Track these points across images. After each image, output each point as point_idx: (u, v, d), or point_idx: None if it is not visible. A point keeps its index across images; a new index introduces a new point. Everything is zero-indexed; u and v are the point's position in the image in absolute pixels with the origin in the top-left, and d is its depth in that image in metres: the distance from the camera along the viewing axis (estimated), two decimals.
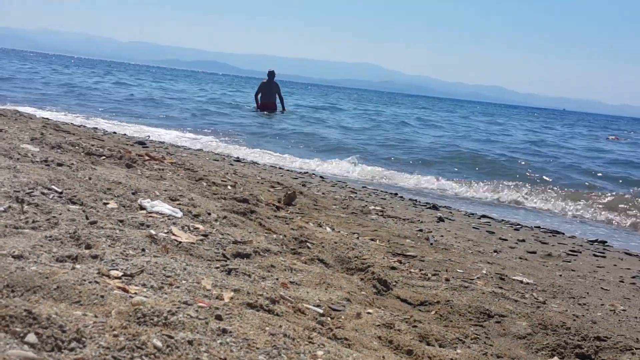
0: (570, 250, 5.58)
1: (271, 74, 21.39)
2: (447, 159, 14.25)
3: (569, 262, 5.08)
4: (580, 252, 5.57)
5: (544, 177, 12.10)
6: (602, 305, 3.79)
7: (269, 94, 21.99)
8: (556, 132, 33.85)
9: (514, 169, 13.35)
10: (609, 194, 9.88)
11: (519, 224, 6.91)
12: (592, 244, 6.21)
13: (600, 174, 13.71)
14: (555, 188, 10.43)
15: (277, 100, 22.19)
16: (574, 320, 3.20)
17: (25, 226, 2.48)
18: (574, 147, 22.28)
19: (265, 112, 21.75)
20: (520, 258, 4.93)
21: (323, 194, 6.97)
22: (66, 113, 15.03)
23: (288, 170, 9.53)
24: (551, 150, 19.57)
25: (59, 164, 3.97)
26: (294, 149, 13.57)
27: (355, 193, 7.59)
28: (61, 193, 3.17)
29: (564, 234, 6.69)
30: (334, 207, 6.01)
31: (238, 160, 9.83)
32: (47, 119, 10.37)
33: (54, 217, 2.68)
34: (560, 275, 4.47)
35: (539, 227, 6.98)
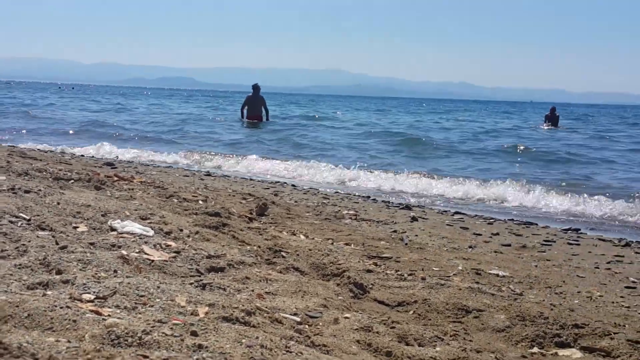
0: (545, 240, 5.63)
1: (256, 88, 22.07)
2: None
3: (544, 252, 5.12)
4: (555, 242, 5.62)
5: None
6: (578, 292, 3.83)
7: (254, 107, 22.73)
8: None
9: None
10: None
11: (492, 218, 6.95)
12: (565, 233, 6.26)
13: None
14: None
15: (263, 112, 22.85)
16: (552, 309, 3.23)
17: None
18: None
19: (253, 122, 22.53)
20: (495, 252, 4.96)
21: (295, 202, 6.97)
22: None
23: (260, 181, 9.52)
24: None
25: (27, 191, 3.92)
26: None
27: (328, 199, 7.60)
28: (29, 220, 3.14)
29: (537, 224, 6.74)
30: (307, 214, 6.01)
31: (208, 174, 9.80)
32: (12, 146, 10.26)
33: (23, 244, 2.65)
34: (536, 266, 4.51)
35: (512, 219, 7.03)
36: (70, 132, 18.30)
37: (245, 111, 23.07)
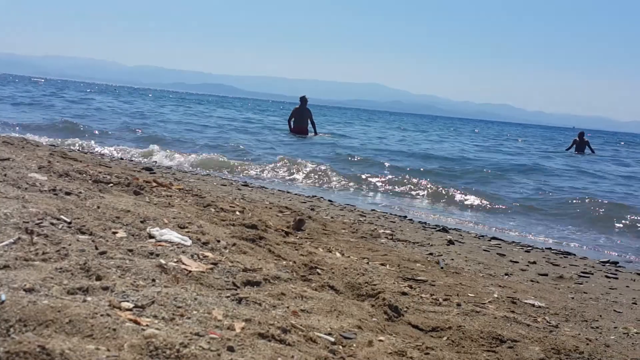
0: (582, 272, 5.54)
1: (303, 100, 22.15)
2: None
3: (581, 284, 5.04)
4: (592, 274, 5.53)
5: None
6: (615, 328, 3.76)
7: (301, 119, 22.71)
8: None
9: None
10: None
11: (529, 246, 6.87)
12: (604, 265, 6.16)
13: None
14: None
15: (309, 125, 22.92)
16: (587, 344, 3.17)
17: (35, 258, 2.47)
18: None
19: (298, 136, 22.54)
20: (532, 281, 4.90)
21: (332, 218, 6.95)
22: None
23: (296, 194, 9.52)
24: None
25: (67, 193, 3.97)
26: None
27: (365, 216, 7.57)
28: (70, 223, 3.17)
29: (575, 255, 6.65)
30: (343, 231, 5.99)
31: (246, 184, 9.83)
32: (53, 146, 10.42)
33: (63, 247, 2.67)
34: (573, 298, 4.44)
35: (550, 248, 6.94)
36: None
37: (292, 123, 23.09)
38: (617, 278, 5.48)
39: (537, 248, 6.82)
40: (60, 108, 28.65)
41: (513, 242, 7.12)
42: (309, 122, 22.76)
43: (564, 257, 6.40)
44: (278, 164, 12.99)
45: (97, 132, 18.17)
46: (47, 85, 72.36)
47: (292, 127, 23.06)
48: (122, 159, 11.63)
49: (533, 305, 3.99)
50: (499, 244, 6.71)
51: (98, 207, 3.75)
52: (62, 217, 3.23)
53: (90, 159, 8.21)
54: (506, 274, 5.02)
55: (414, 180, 12.10)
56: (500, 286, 4.43)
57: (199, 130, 22.89)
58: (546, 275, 5.23)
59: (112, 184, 4.95)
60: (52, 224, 3.05)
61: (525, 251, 6.44)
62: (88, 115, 25.41)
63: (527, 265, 5.58)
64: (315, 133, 23.06)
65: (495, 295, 4.06)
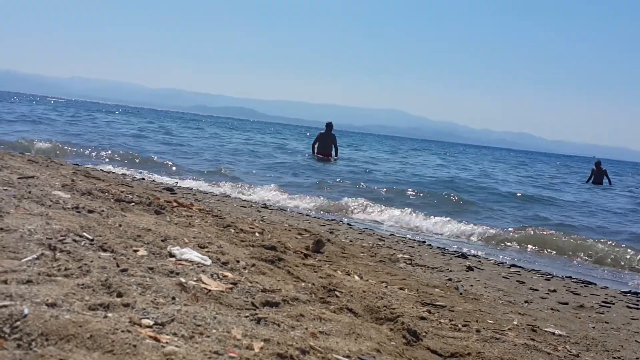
0: (603, 302, 5.47)
1: (329, 126, 22.69)
2: None
3: (602, 313, 4.98)
4: (614, 304, 5.46)
5: None
6: (637, 359, 3.71)
7: (325, 144, 23.31)
8: None
9: None
10: None
11: (549, 274, 6.80)
12: (625, 295, 6.09)
13: None
14: None
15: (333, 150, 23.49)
16: None
17: (57, 274, 2.49)
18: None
19: (321, 158, 23.16)
20: (552, 309, 4.85)
21: (351, 241, 6.94)
22: None
23: (315, 217, 9.52)
24: None
25: (90, 211, 4.00)
26: None
27: (383, 241, 7.56)
28: (92, 240, 3.19)
29: (596, 284, 6.58)
30: (362, 254, 5.98)
31: (265, 206, 9.86)
32: (77, 164, 10.51)
33: (85, 264, 2.69)
34: (594, 327, 4.38)
35: (570, 277, 6.87)
36: None
37: (316, 147, 23.55)
38: (638, 308, 5.40)
39: (557, 276, 6.76)
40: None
41: (533, 269, 7.07)
42: (333, 147, 23.30)
43: (585, 286, 6.34)
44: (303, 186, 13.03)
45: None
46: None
47: (315, 150, 23.55)
48: (143, 179, 11.70)
49: (553, 333, 3.95)
50: (519, 272, 6.66)
51: (120, 226, 3.78)
52: (84, 234, 3.26)
53: (113, 179, 8.28)
54: (526, 302, 4.98)
55: (435, 207, 12.08)
56: (520, 313, 4.40)
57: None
58: (567, 303, 5.17)
59: (133, 203, 4.98)
60: (74, 240, 3.07)
61: (545, 279, 6.38)
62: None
63: (547, 293, 5.52)
64: (337, 157, 23.59)
65: (515, 323, 4.03)
